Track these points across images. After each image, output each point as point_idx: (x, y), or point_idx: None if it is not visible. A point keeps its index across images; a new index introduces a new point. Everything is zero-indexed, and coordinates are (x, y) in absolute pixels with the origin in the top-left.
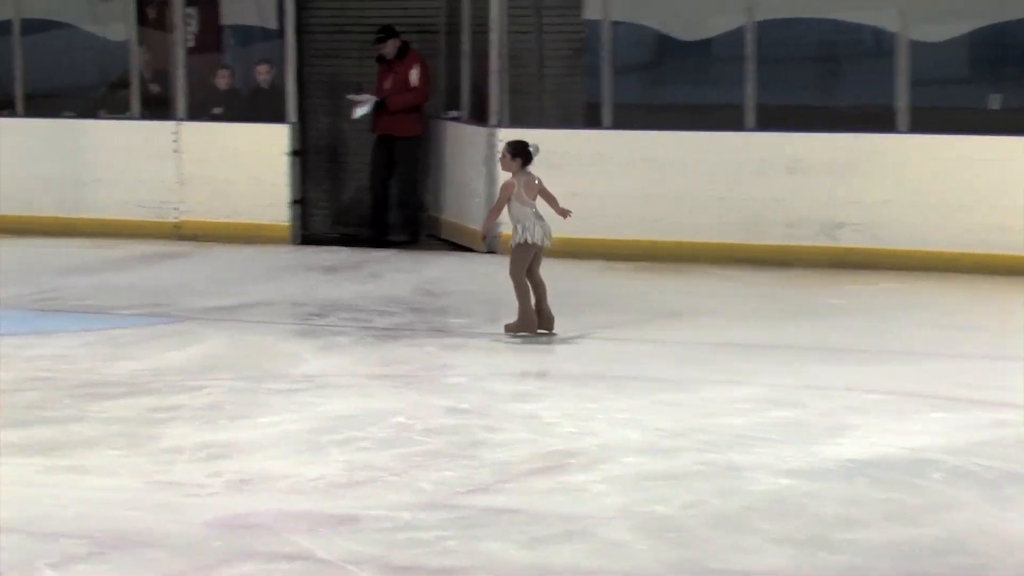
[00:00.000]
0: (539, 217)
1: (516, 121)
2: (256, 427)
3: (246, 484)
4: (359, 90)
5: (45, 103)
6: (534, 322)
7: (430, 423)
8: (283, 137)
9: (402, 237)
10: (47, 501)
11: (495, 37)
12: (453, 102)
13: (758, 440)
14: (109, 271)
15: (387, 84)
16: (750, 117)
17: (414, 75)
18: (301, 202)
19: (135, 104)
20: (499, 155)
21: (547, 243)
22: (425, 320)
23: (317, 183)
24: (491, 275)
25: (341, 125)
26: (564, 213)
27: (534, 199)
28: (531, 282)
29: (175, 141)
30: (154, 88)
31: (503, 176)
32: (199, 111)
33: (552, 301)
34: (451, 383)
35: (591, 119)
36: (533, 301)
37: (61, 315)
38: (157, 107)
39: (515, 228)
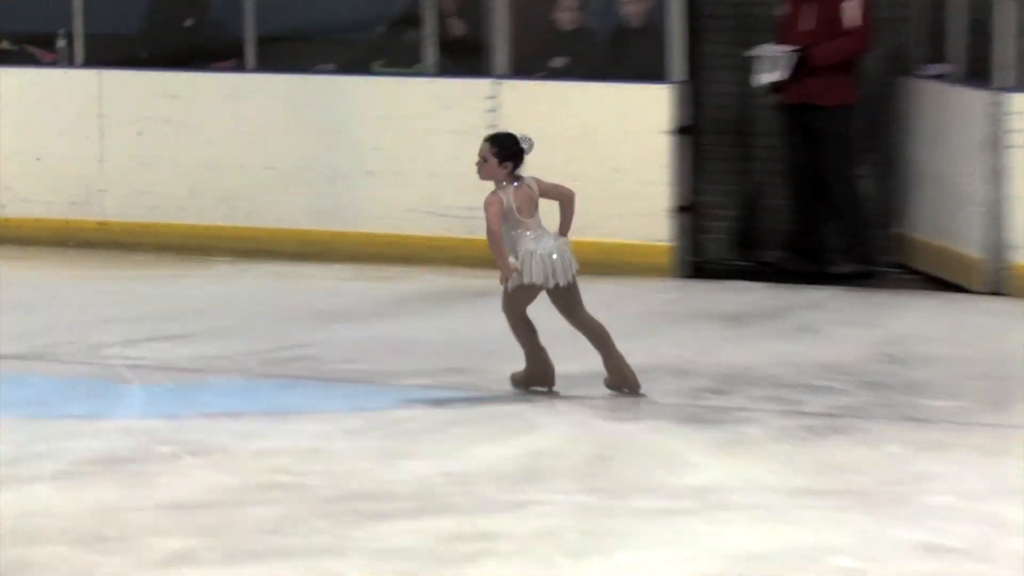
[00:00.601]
0: (543, 244)
1: None
2: (616, 568)
3: None
4: (784, 34)
5: (288, 51)
6: (547, 373)
7: (895, 567)
8: (662, 105)
9: (848, 267)
10: None
11: None
12: (937, 51)
13: None
14: (385, 317)
15: (804, 23)
16: None
17: (850, 9)
18: (690, 210)
19: (430, 54)
20: (476, 160)
21: (552, 283)
22: (888, 402)
23: (715, 179)
24: (997, 332)
25: (753, 88)
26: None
27: (532, 215)
28: (581, 329)
29: (492, 111)
30: (459, 29)
31: (1015, 170)
32: (529, 64)
33: (994, 372)
34: (930, 504)
35: None
36: (604, 355)
37: (311, 386)
38: (464, 58)
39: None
